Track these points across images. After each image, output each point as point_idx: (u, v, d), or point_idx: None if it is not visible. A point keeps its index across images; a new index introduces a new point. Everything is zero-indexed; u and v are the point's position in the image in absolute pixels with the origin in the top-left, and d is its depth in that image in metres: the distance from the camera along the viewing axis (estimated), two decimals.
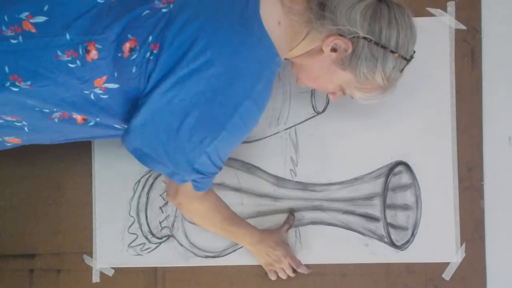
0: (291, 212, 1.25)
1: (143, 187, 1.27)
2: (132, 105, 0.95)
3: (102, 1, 0.89)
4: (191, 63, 0.89)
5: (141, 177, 1.28)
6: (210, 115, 0.92)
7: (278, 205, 1.26)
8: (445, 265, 1.24)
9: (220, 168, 0.99)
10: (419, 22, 1.19)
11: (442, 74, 1.25)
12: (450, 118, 1.25)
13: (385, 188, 1.24)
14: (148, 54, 0.90)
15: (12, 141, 1.02)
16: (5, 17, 0.88)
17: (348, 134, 1.25)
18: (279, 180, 1.26)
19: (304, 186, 1.26)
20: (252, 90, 0.92)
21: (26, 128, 0.97)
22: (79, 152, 1.28)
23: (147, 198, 1.28)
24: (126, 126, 0.98)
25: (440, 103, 1.25)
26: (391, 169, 1.24)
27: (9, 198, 1.30)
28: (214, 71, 0.89)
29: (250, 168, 1.26)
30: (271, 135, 1.26)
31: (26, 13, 0.88)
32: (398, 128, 1.25)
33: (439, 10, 1.25)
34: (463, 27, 1.25)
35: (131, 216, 1.28)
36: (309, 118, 1.25)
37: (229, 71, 0.90)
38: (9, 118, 0.95)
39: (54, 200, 1.29)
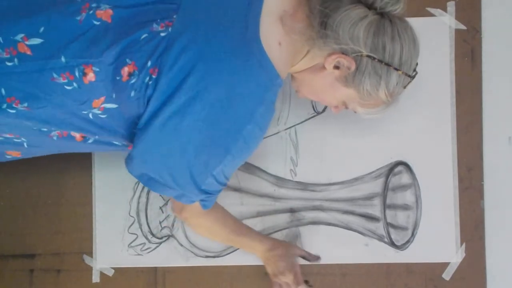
0: (318, 258, 1.23)
1: (143, 187, 1.27)
2: (132, 124, 0.94)
3: (98, 23, 0.88)
4: (190, 89, 0.87)
5: None
6: (213, 140, 0.90)
7: (278, 205, 1.26)
8: (445, 265, 1.24)
9: (226, 185, 0.99)
10: (419, 22, 1.19)
11: (442, 74, 1.25)
12: (450, 118, 1.25)
13: (385, 188, 1.24)
14: (147, 78, 0.88)
15: (12, 153, 1.02)
16: (0, 39, 0.87)
17: (348, 134, 1.25)
18: (279, 180, 1.26)
19: (304, 186, 1.26)
20: (254, 114, 0.90)
21: (25, 144, 0.97)
22: (79, 152, 1.28)
23: (147, 198, 1.28)
24: (125, 143, 0.97)
25: (440, 103, 1.25)
26: (391, 169, 1.24)
27: (9, 198, 1.30)
28: (214, 96, 0.87)
29: (250, 168, 1.26)
30: (271, 135, 1.26)
31: (22, 35, 0.87)
32: (398, 128, 1.25)
33: (439, 10, 1.25)
34: (463, 27, 1.25)
35: (131, 216, 1.28)
36: (309, 118, 1.25)
37: (230, 96, 0.88)
38: (7, 135, 0.95)
39: (54, 200, 1.29)
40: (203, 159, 0.92)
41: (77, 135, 0.95)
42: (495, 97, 1.25)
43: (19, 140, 0.96)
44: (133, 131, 0.95)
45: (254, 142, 0.94)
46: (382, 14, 0.89)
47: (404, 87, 0.94)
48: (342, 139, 1.25)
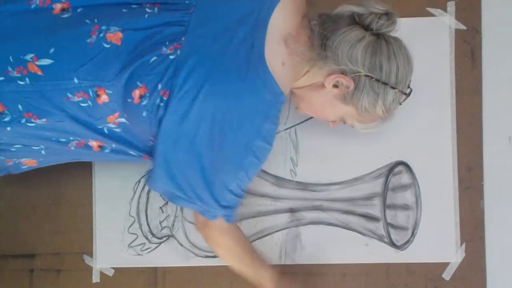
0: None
1: (143, 187, 1.27)
2: (145, 140, 0.97)
3: (108, 46, 0.89)
4: (199, 109, 0.90)
5: (141, 177, 1.28)
6: (225, 158, 0.94)
7: (278, 205, 1.26)
8: (445, 265, 1.24)
9: (243, 196, 1.02)
10: (419, 22, 1.19)
11: (442, 74, 1.25)
12: (450, 118, 1.25)
13: (385, 188, 1.24)
14: (158, 100, 0.91)
15: (28, 163, 1.04)
16: (10, 58, 0.88)
17: (348, 134, 1.25)
18: (279, 180, 1.26)
19: (304, 186, 1.26)
20: (261, 130, 0.94)
21: (43, 151, 0.99)
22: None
23: (147, 198, 1.28)
24: (141, 154, 1.00)
25: (440, 103, 1.25)
26: (391, 169, 1.25)
27: (9, 198, 1.30)
28: (221, 116, 0.91)
29: None
30: None
31: (31, 55, 0.88)
32: (398, 128, 1.25)
33: (439, 10, 1.25)
34: (463, 27, 1.25)
35: (131, 216, 1.28)
36: (309, 118, 1.25)
37: (237, 115, 0.92)
38: (26, 144, 0.97)
39: (54, 200, 1.29)
40: (219, 177, 0.95)
41: (95, 144, 0.98)
42: (495, 97, 1.25)
43: (37, 148, 0.98)
44: (147, 145, 0.98)
45: (263, 156, 0.99)
46: (378, 35, 0.93)
47: (400, 104, 0.99)
48: (342, 139, 1.25)
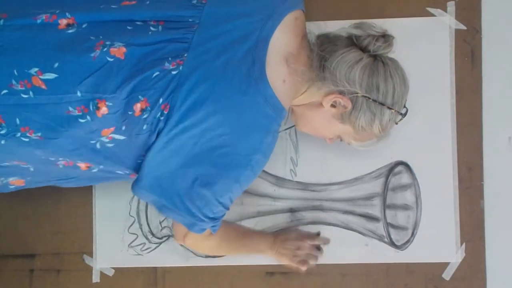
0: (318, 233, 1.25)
1: None
2: (137, 156, 0.98)
3: (112, 60, 0.90)
4: (200, 124, 0.92)
5: None
6: (223, 172, 0.96)
7: (278, 205, 1.26)
8: (445, 265, 1.24)
9: (229, 208, 1.02)
10: (419, 22, 1.19)
11: (442, 74, 1.25)
12: (450, 119, 1.25)
13: (385, 188, 1.24)
14: (159, 114, 0.92)
15: (16, 182, 1.04)
16: (15, 71, 0.88)
17: None
18: (279, 180, 1.26)
19: (304, 186, 1.26)
20: (262, 144, 0.96)
21: (31, 168, 0.99)
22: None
23: None
24: (127, 172, 1.01)
25: (440, 103, 1.25)
26: (391, 169, 1.25)
27: (9, 198, 1.30)
28: (224, 130, 0.93)
29: None
30: None
31: (36, 69, 0.88)
32: (398, 128, 1.24)
33: (439, 10, 1.25)
34: (463, 27, 1.25)
35: (131, 216, 1.28)
36: None
37: (239, 130, 0.94)
38: (15, 163, 0.97)
39: (54, 200, 1.29)
40: (212, 189, 0.96)
41: (83, 165, 0.98)
42: (495, 97, 1.25)
43: (25, 166, 0.98)
44: (137, 162, 0.98)
45: (259, 169, 1.00)
46: (375, 56, 0.96)
47: (396, 123, 1.01)
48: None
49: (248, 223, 1.26)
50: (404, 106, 1.00)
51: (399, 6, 1.25)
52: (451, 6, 1.25)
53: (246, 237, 1.21)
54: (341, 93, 0.95)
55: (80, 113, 0.89)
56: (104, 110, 0.89)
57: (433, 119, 1.25)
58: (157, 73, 0.91)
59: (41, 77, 0.88)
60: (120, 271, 1.28)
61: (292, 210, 1.26)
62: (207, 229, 1.02)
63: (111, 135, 0.92)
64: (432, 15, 1.25)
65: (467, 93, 1.25)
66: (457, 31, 1.25)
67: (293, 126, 1.26)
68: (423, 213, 1.24)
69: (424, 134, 1.25)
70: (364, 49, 0.96)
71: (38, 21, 0.92)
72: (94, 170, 0.99)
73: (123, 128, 0.92)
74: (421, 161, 1.25)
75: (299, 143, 1.26)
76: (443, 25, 1.25)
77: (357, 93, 0.94)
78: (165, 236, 1.27)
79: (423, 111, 1.24)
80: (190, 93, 0.91)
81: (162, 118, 0.92)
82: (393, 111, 0.97)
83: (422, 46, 1.23)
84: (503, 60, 1.26)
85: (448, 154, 1.25)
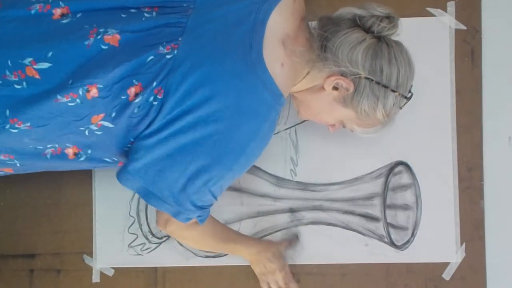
0: (297, 236, 1.24)
1: None
2: (125, 143, 0.96)
3: (106, 47, 0.89)
4: (196, 110, 0.89)
5: None
6: (218, 159, 0.93)
7: (278, 205, 1.26)
8: (445, 265, 1.24)
9: (218, 197, 1.00)
10: (419, 22, 1.19)
11: (442, 74, 1.25)
12: (450, 118, 1.25)
13: (385, 188, 1.24)
14: (152, 98, 0.90)
15: (4, 169, 1.03)
16: (9, 62, 0.88)
17: (349, 134, 1.24)
18: (279, 180, 1.26)
19: (304, 186, 1.26)
20: (258, 132, 0.94)
21: (18, 164, 0.99)
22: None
23: None
24: (116, 159, 0.99)
25: (440, 103, 1.25)
26: (391, 169, 1.25)
27: (9, 198, 1.30)
28: (220, 116, 0.90)
29: (250, 168, 1.25)
30: None
31: (30, 59, 0.88)
32: (398, 128, 1.24)
33: (439, 10, 1.25)
34: (463, 27, 1.25)
35: (131, 216, 1.28)
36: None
37: (235, 116, 0.91)
38: (1, 157, 0.96)
39: (54, 200, 1.29)
40: (205, 176, 0.93)
41: (70, 152, 0.96)
42: (495, 97, 1.25)
43: (11, 162, 0.98)
44: (124, 149, 0.97)
45: (254, 157, 0.98)
46: (379, 38, 0.93)
47: (400, 108, 0.98)
48: (342, 139, 1.25)
49: (248, 223, 1.26)
50: (410, 91, 0.97)
51: (399, 6, 1.24)
52: (451, 6, 1.25)
53: (231, 240, 1.17)
54: (343, 74, 0.92)
55: (69, 99, 0.88)
56: (94, 92, 0.88)
57: (433, 119, 1.25)
58: (152, 57, 0.90)
59: (35, 66, 0.88)
60: (120, 271, 1.28)
61: (292, 210, 1.26)
62: (193, 218, 0.99)
63: (100, 122, 0.91)
64: (432, 15, 1.25)
65: (467, 93, 1.25)
66: (457, 31, 1.25)
67: (293, 126, 1.26)
68: (423, 213, 1.24)
69: (424, 134, 1.25)
70: (367, 30, 0.93)
71: (32, 11, 0.92)
72: (82, 159, 0.97)
73: (113, 115, 0.91)
74: (421, 161, 1.25)
75: (299, 143, 1.26)
76: (443, 25, 1.25)
77: (360, 75, 0.91)
78: (165, 236, 1.27)
79: (423, 111, 1.24)
80: (185, 78, 0.89)
81: (155, 103, 0.90)
82: (397, 94, 0.94)
83: (422, 46, 1.23)
84: (503, 60, 1.26)
85: (448, 154, 1.25)
